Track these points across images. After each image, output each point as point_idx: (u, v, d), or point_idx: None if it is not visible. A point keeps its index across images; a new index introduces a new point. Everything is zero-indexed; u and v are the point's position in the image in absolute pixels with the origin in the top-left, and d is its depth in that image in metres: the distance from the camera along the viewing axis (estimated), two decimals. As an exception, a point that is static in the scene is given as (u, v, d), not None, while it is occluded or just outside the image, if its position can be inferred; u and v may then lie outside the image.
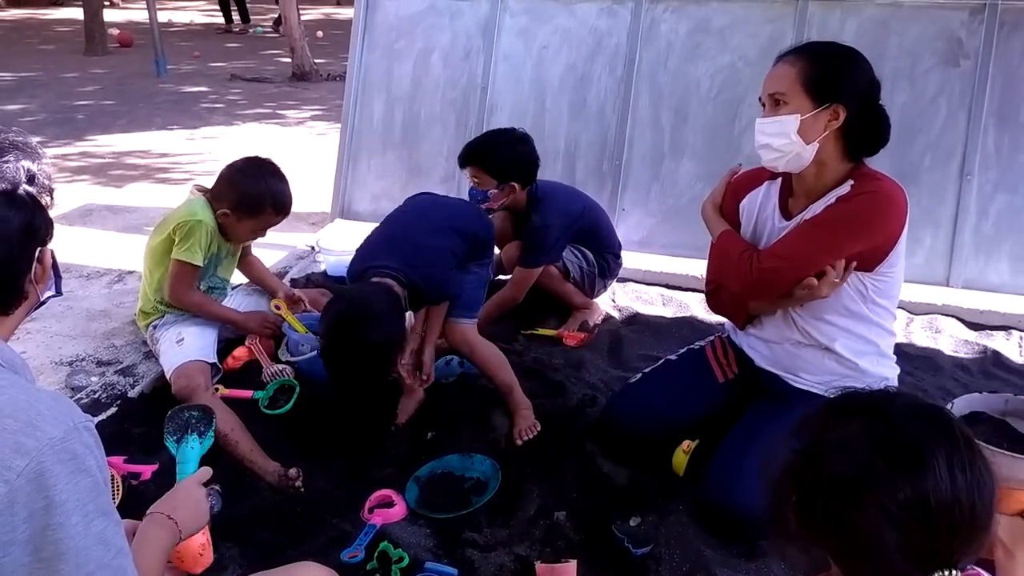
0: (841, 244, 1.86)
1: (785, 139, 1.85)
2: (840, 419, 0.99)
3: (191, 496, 1.49)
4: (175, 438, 2.17)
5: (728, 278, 2.07)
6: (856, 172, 1.90)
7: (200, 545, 1.53)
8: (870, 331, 1.99)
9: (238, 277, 2.89)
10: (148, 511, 1.51)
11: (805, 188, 1.96)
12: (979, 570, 1.09)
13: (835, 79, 1.82)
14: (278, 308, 2.70)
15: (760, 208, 2.07)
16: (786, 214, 2.01)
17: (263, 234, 2.63)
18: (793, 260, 1.89)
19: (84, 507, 0.99)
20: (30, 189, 1.12)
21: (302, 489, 2.13)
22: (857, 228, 1.85)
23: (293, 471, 2.15)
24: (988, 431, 1.66)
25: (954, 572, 0.90)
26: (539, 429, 2.33)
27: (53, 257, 1.21)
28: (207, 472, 1.59)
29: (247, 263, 2.85)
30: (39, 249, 1.15)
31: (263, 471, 2.17)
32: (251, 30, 12.54)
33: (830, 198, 1.89)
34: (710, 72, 3.57)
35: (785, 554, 1.03)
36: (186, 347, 2.47)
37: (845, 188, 1.88)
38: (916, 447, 0.91)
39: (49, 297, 1.23)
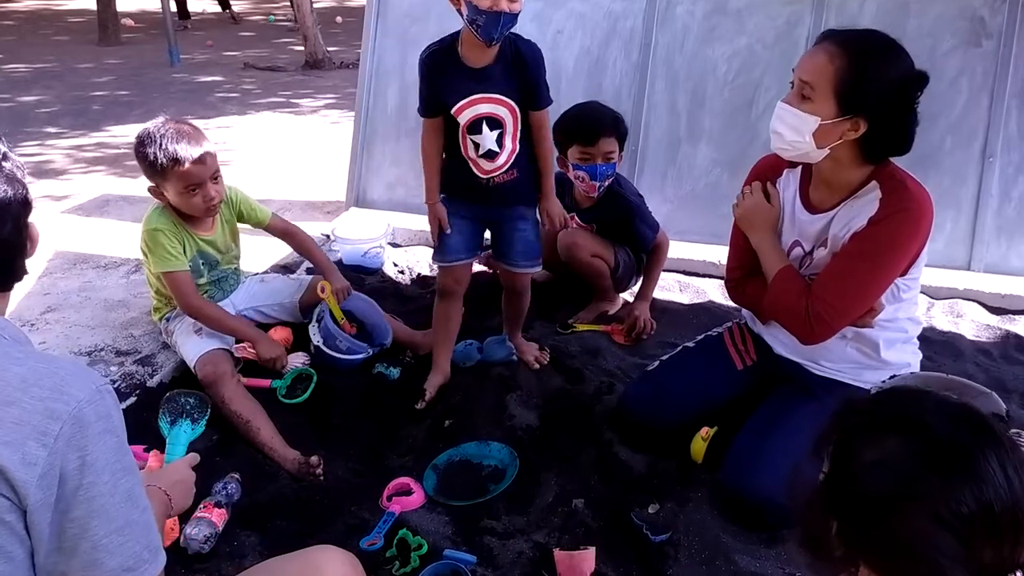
0: (888, 273, 1.85)
1: (798, 136, 1.82)
2: (873, 436, 0.92)
3: (182, 476, 1.54)
4: (169, 420, 2.20)
5: (782, 320, 2.02)
6: (880, 172, 1.86)
7: (172, 520, 1.66)
8: (897, 323, 1.98)
9: (249, 265, 2.88)
10: (146, 482, 1.55)
11: (824, 179, 1.93)
12: None
13: (868, 90, 1.76)
14: (323, 291, 2.65)
15: (781, 190, 2.06)
16: (809, 205, 1.98)
17: (206, 192, 2.42)
18: (847, 307, 1.87)
19: (112, 466, 1.02)
20: (9, 165, 1.11)
21: (322, 477, 2.14)
22: (900, 252, 1.83)
23: (315, 459, 2.16)
24: None
25: (1020, 575, 0.86)
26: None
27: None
28: (195, 457, 1.65)
29: (291, 237, 2.78)
30: (28, 224, 1.16)
31: (283, 459, 2.18)
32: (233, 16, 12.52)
33: (859, 212, 1.85)
34: (727, 55, 3.53)
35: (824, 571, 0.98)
36: (206, 336, 2.48)
37: (873, 200, 1.83)
38: (966, 454, 0.86)
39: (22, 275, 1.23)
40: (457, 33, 2.31)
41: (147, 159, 2.37)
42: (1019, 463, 0.87)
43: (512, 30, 2.21)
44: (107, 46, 10.33)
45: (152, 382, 2.54)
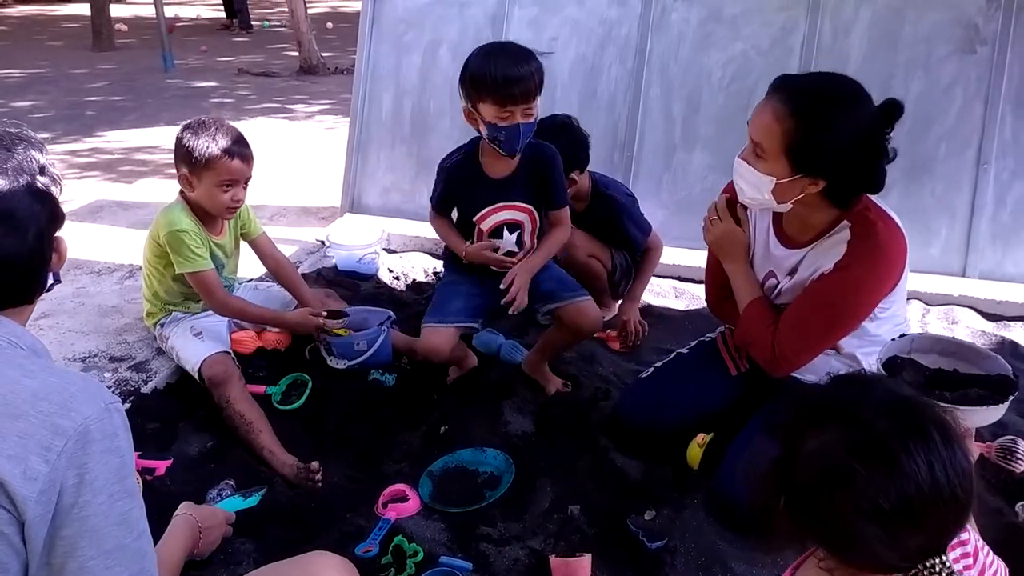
0: (851, 320, 1.84)
1: (757, 193, 1.81)
2: (817, 424, 0.98)
3: (219, 523, 1.71)
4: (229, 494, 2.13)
5: (752, 352, 2.04)
6: (851, 212, 1.83)
7: None
8: (879, 340, 1.96)
9: (244, 271, 2.88)
10: (185, 510, 1.61)
11: (795, 221, 1.92)
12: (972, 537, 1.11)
13: (820, 151, 1.71)
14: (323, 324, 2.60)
15: (754, 221, 2.04)
16: (784, 238, 1.96)
17: (237, 194, 2.44)
18: (809, 348, 1.90)
19: (111, 487, 1.01)
20: (44, 180, 1.13)
21: (319, 484, 2.12)
22: (864, 299, 1.83)
23: (315, 464, 2.15)
24: (907, 374, 1.72)
25: (944, 558, 0.92)
26: None
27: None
28: (232, 516, 1.87)
29: (280, 269, 2.73)
30: (56, 238, 1.18)
31: (281, 464, 2.18)
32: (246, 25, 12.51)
33: (827, 255, 1.83)
34: (722, 62, 3.54)
35: (775, 547, 1.03)
36: (208, 339, 2.48)
37: (842, 242, 1.81)
38: (889, 448, 0.91)
39: (52, 285, 1.24)
40: (476, 140, 2.32)
41: (193, 146, 2.38)
42: (948, 459, 0.91)
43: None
44: (101, 52, 10.32)
45: (146, 388, 2.53)
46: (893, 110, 1.71)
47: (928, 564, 0.92)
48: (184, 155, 2.41)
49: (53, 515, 0.97)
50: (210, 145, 2.37)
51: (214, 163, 2.38)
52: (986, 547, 1.16)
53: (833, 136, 1.70)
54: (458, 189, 2.36)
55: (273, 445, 2.22)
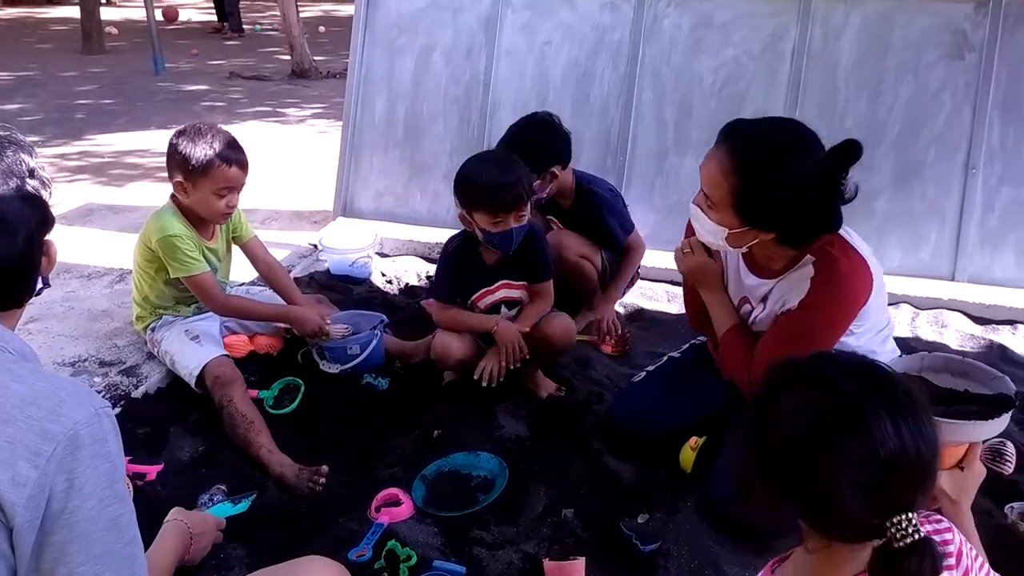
0: (826, 346, 1.82)
1: (713, 238, 1.84)
2: (787, 389, 1.03)
3: (209, 529, 1.69)
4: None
5: (732, 377, 2.05)
6: (813, 248, 1.83)
7: None
8: (861, 347, 1.94)
9: (237, 275, 2.87)
10: (175, 516, 1.60)
11: (761, 255, 1.92)
12: (939, 516, 1.15)
13: (767, 206, 1.72)
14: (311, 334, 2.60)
15: (727, 252, 2.03)
16: (755, 268, 1.97)
17: (231, 200, 2.46)
18: None
19: (101, 492, 1.00)
20: (34, 183, 1.13)
21: (318, 488, 2.10)
22: (833, 328, 1.84)
23: (324, 468, 2.13)
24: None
25: (911, 515, 0.95)
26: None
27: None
28: (223, 523, 1.86)
29: (272, 273, 2.73)
30: (46, 242, 1.17)
31: (279, 463, 2.16)
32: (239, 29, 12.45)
33: (792, 290, 1.85)
34: (713, 67, 3.56)
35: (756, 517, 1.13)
36: (206, 344, 2.47)
37: (806, 277, 1.83)
38: (860, 408, 0.96)
39: (42, 289, 1.23)
40: None
41: (190, 153, 2.37)
42: (913, 417, 0.97)
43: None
44: (91, 55, 10.25)
45: (137, 393, 2.52)
46: (848, 153, 1.67)
47: (895, 521, 0.94)
48: (180, 162, 2.39)
49: (42, 521, 0.96)
50: (208, 152, 2.37)
51: (212, 171, 2.38)
52: (980, 558, 1.16)
53: (779, 192, 1.70)
54: (460, 275, 2.46)
55: (272, 445, 2.22)
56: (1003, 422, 1.49)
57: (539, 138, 2.76)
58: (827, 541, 1.02)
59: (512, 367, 2.37)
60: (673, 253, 2.12)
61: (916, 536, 0.94)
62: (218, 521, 1.82)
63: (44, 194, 1.16)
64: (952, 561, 1.09)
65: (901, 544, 0.94)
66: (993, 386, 1.59)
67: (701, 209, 1.83)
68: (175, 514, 1.71)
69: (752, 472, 1.04)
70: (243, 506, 2.02)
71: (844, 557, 1.02)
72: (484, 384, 2.35)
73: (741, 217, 1.76)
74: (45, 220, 1.15)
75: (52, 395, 1.01)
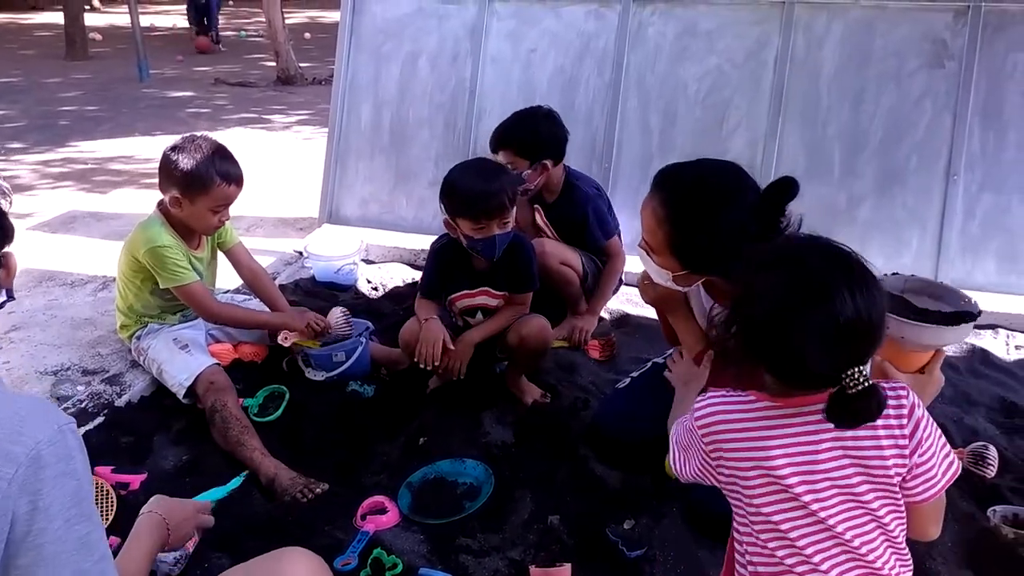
0: None
1: (661, 280, 1.86)
2: (768, 268, 1.23)
3: (188, 515, 1.59)
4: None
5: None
6: None
7: None
8: None
9: (222, 282, 2.86)
10: (150, 508, 1.55)
11: (718, 284, 1.92)
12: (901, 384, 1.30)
13: (703, 251, 1.74)
14: (286, 340, 2.56)
15: None
16: (715, 294, 1.97)
17: (224, 215, 2.47)
18: None
19: (67, 511, 0.98)
20: None
21: (309, 499, 2.09)
22: None
23: (325, 485, 2.12)
24: (893, 306, 1.74)
25: (863, 368, 1.16)
26: None
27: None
28: (207, 506, 1.76)
29: (257, 280, 2.72)
30: (5, 254, 1.15)
31: (269, 466, 2.15)
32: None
33: None
34: (697, 75, 3.58)
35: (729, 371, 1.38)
36: (196, 353, 2.46)
37: None
38: (824, 283, 1.17)
39: (4, 302, 1.21)
40: None
41: (189, 171, 2.36)
42: (867, 289, 1.18)
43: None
44: (75, 61, 10.22)
45: (120, 402, 2.50)
46: (783, 191, 1.66)
47: (849, 372, 1.15)
48: (179, 179, 2.38)
49: (6, 545, 0.93)
50: (209, 170, 2.36)
51: (212, 189, 2.38)
52: (938, 431, 1.28)
53: (713, 239, 1.72)
54: (445, 271, 2.47)
55: (264, 449, 2.22)
56: (963, 330, 1.70)
57: (539, 128, 2.85)
58: (789, 390, 1.24)
59: (426, 368, 2.37)
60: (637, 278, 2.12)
61: (866, 384, 1.15)
62: (200, 505, 1.72)
63: (3, 204, 1.14)
64: (904, 412, 1.24)
65: (853, 391, 1.15)
66: (962, 306, 1.78)
67: (646, 253, 1.85)
68: (151, 504, 1.62)
69: (731, 334, 1.24)
70: (235, 482, 2.02)
71: (803, 400, 1.24)
72: (421, 365, 2.37)
73: (680, 262, 1.79)
74: (3, 231, 1.12)
75: (13, 415, 0.98)
